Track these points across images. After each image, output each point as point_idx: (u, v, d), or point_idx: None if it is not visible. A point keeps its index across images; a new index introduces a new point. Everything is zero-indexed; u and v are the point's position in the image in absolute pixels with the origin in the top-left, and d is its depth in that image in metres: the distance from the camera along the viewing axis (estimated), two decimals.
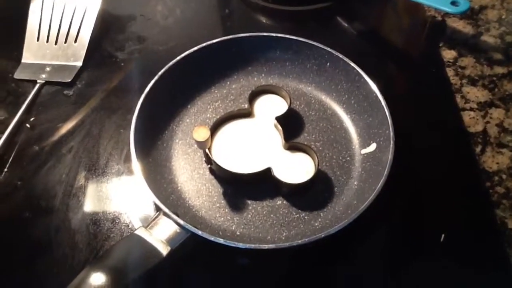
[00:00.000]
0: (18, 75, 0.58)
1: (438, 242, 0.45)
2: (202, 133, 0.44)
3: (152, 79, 0.50)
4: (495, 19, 0.65)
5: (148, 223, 0.41)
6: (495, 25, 0.64)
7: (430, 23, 0.65)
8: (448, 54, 0.61)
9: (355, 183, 0.47)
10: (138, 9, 0.66)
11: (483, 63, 0.60)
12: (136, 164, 0.44)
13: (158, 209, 0.42)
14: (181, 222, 0.40)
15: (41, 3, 0.61)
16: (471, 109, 0.55)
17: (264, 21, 0.67)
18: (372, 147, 0.48)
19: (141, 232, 0.40)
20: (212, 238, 0.39)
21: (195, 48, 0.52)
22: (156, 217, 0.41)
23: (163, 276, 0.40)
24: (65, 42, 0.59)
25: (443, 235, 0.45)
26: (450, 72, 0.59)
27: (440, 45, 0.62)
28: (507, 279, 0.43)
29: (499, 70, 0.59)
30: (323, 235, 0.39)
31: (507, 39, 0.62)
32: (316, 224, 0.45)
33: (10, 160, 0.51)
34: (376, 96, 0.48)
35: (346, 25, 0.65)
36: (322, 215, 0.46)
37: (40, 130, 0.53)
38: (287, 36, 0.54)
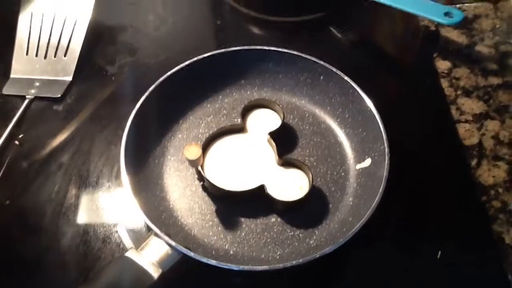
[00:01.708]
0: (7, 90, 0.57)
1: (434, 259, 0.44)
2: (193, 151, 0.43)
3: (143, 93, 0.49)
4: (489, 29, 0.64)
5: (139, 244, 0.40)
6: (489, 35, 0.64)
7: (423, 33, 0.64)
8: (442, 65, 0.60)
9: (350, 199, 0.47)
10: (129, 20, 0.66)
11: (478, 74, 0.59)
12: (126, 182, 0.43)
13: (149, 229, 0.41)
14: (173, 243, 0.39)
15: (30, 15, 0.60)
16: (466, 121, 0.55)
17: (257, 32, 0.66)
18: (367, 162, 0.48)
19: (132, 254, 0.39)
20: (204, 260, 0.39)
21: (187, 63, 0.51)
22: (147, 237, 0.41)
23: None
24: (55, 56, 0.59)
25: (439, 252, 0.44)
26: (444, 83, 0.58)
27: (434, 55, 0.61)
28: None
29: (494, 80, 0.59)
30: (317, 255, 0.39)
31: (502, 49, 0.62)
32: (311, 242, 0.44)
33: None
34: (371, 111, 0.48)
35: (339, 35, 0.64)
36: (317, 232, 0.45)
37: (29, 147, 0.52)
38: (280, 49, 0.53)
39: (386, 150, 0.45)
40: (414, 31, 0.65)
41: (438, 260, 0.44)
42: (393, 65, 0.62)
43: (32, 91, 0.56)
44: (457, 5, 0.66)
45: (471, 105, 0.56)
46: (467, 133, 0.54)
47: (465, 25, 0.65)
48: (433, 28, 0.64)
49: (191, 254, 0.39)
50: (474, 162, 0.51)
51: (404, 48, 0.65)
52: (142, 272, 0.38)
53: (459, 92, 0.57)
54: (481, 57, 0.61)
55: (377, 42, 0.65)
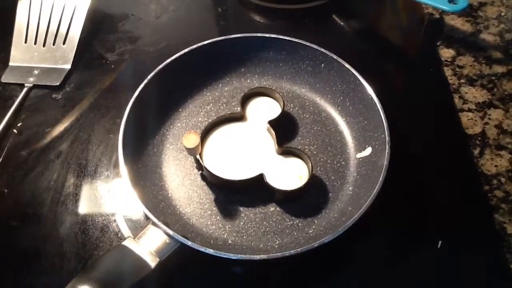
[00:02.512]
0: (5, 78, 0.57)
1: (435, 249, 0.44)
2: (191, 140, 0.43)
3: (142, 81, 0.49)
4: (495, 16, 0.63)
5: (136, 233, 0.40)
6: (495, 23, 0.62)
7: (427, 21, 0.63)
8: (446, 53, 0.59)
9: (350, 188, 0.46)
10: (130, 7, 0.65)
11: (482, 62, 0.58)
12: (124, 171, 0.43)
13: (147, 218, 0.41)
14: (170, 232, 0.39)
15: (29, 2, 0.60)
16: (470, 110, 0.54)
17: (259, 19, 0.65)
18: (368, 151, 0.47)
19: (129, 243, 0.39)
20: (202, 249, 0.38)
21: (186, 50, 0.51)
22: (145, 226, 0.40)
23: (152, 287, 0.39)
24: (54, 44, 0.58)
25: (440, 242, 0.44)
26: (448, 71, 0.57)
27: (438, 43, 0.60)
28: (506, 284, 0.42)
29: (498, 69, 0.58)
30: (316, 245, 0.38)
31: (507, 37, 0.61)
32: (310, 231, 0.44)
33: None
34: (372, 99, 0.47)
35: (342, 23, 0.63)
36: (316, 222, 0.44)
37: (27, 135, 0.52)
38: (281, 36, 0.52)
39: (387, 139, 0.44)
40: (418, 19, 0.64)
41: (438, 249, 0.44)
42: (396, 54, 0.62)
43: (31, 79, 0.56)
44: None
45: (475, 94, 0.55)
46: (470, 122, 0.53)
47: (470, 12, 0.64)
48: (437, 16, 0.63)
49: (189, 243, 0.39)
50: (476, 152, 0.50)
51: (407, 36, 0.64)
52: (139, 261, 0.38)
53: (462, 81, 0.57)
54: (486, 45, 0.60)
55: (380, 30, 0.65)
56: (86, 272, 0.38)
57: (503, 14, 0.63)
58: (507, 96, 0.55)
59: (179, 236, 0.39)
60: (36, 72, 0.57)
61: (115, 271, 0.38)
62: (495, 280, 0.43)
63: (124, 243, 0.39)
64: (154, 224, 0.40)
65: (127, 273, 0.37)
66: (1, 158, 0.50)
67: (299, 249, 0.38)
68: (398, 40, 0.63)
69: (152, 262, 0.38)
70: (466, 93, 0.55)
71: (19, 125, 0.53)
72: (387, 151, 0.43)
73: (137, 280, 0.37)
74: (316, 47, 0.51)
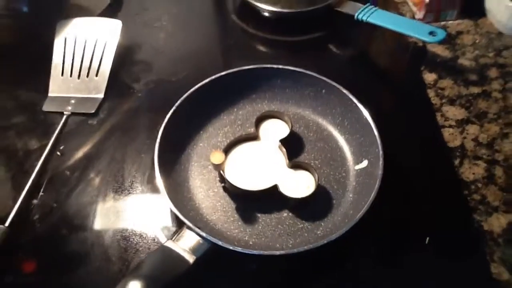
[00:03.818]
0: (46, 107, 0.64)
1: (423, 244, 0.51)
2: (218, 157, 0.51)
3: (166, 107, 0.57)
4: (470, 43, 0.72)
5: (174, 236, 0.47)
6: (470, 49, 0.71)
7: (412, 49, 0.72)
8: (429, 77, 0.68)
9: (351, 195, 0.54)
10: (151, 42, 0.74)
11: (460, 84, 0.67)
12: (161, 184, 0.51)
13: (181, 223, 0.48)
14: (203, 234, 0.47)
15: (64, 40, 0.68)
16: (450, 126, 0.62)
17: (264, 50, 0.74)
18: (364, 163, 0.55)
19: (169, 244, 0.46)
20: (231, 247, 0.46)
21: (206, 81, 0.59)
22: (181, 230, 0.48)
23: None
24: (87, 76, 0.66)
25: (427, 238, 0.52)
26: (431, 93, 0.66)
27: (422, 68, 0.69)
28: (485, 273, 0.50)
29: (475, 90, 0.66)
30: (325, 241, 0.46)
31: (481, 61, 0.70)
32: (318, 232, 0.52)
33: (44, 184, 0.57)
34: (367, 119, 0.55)
35: (338, 52, 0.72)
36: (323, 224, 0.52)
37: (69, 157, 0.60)
38: (287, 67, 0.61)
39: (381, 152, 0.52)
40: (403, 47, 0.73)
41: (427, 245, 0.52)
42: (385, 78, 0.70)
43: (69, 107, 0.64)
44: (442, 23, 0.75)
45: (454, 112, 0.64)
46: (451, 137, 0.61)
47: (449, 40, 0.72)
48: (420, 44, 0.72)
49: (220, 242, 0.46)
50: (457, 162, 0.59)
51: (395, 63, 0.73)
52: (179, 258, 0.45)
53: (444, 101, 0.65)
54: (463, 69, 0.69)
55: (372, 58, 0.74)
56: (135, 270, 0.45)
57: (477, 41, 0.72)
58: (482, 113, 0.64)
59: (212, 237, 0.46)
60: (73, 101, 0.65)
61: (159, 268, 0.45)
62: (473, 268, 0.50)
63: (165, 244, 0.46)
64: (188, 227, 0.47)
65: (170, 269, 0.45)
66: (48, 178, 0.57)
67: (311, 245, 0.46)
68: (387, 66, 0.72)
69: (190, 258, 0.45)
70: (447, 111, 0.64)
71: (61, 148, 0.60)
72: (381, 162, 0.52)
73: (178, 274, 0.44)
74: (317, 75, 0.59)
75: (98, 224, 0.54)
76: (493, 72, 0.68)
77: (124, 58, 0.70)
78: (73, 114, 0.64)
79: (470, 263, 0.51)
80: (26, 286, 0.50)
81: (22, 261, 0.51)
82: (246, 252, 0.46)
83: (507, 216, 0.54)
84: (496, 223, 0.53)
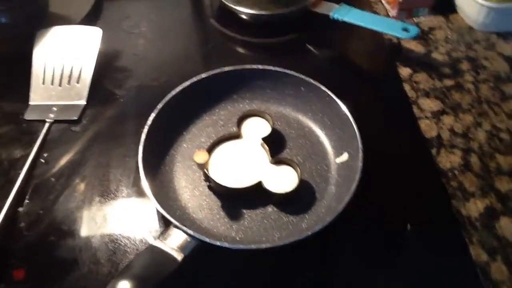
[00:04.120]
0: (28, 116, 0.64)
1: (405, 230, 0.53)
2: (202, 156, 0.52)
3: (149, 111, 0.58)
4: (443, 38, 0.75)
5: (161, 235, 0.48)
6: (443, 44, 0.74)
7: (387, 45, 0.75)
8: (404, 72, 0.70)
9: (333, 188, 0.56)
10: (132, 49, 0.74)
11: (434, 77, 0.69)
12: (146, 186, 0.52)
13: (168, 223, 0.49)
14: (190, 232, 0.47)
15: (44, 49, 0.68)
16: (426, 117, 0.64)
17: (244, 52, 0.76)
18: (345, 156, 0.57)
19: (157, 243, 0.47)
20: (218, 243, 0.47)
21: (188, 83, 0.60)
22: (168, 229, 0.49)
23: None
24: (69, 83, 0.67)
25: (409, 225, 0.53)
26: (407, 87, 0.68)
27: (397, 64, 0.71)
28: (464, 258, 0.51)
29: (448, 82, 0.69)
30: (309, 233, 0.47)
31: (454, 55, 0.72)
32: (303, 225, 0.53)
33: (29, 192, 0.57)
34: (345, 113, 0.57)
35: (315, 51, 0.74)
36: (307, 217, 0.54)
37: (54, 164, 0.60)
38: (266, 67, 0.62)
39: (360, 145, 0.54)
40: (379, 44, 0.75)
41: (408, 231, 0.53)
42: (363, 74, 0.72)
43: (51, 115, 0.64)
44: (415, 19, 0.77)
45: (430, 104, 0.66)
46: (428, 127, 0.63)
47: (422, 36, 0.75)
48: (395, 41, 0.75)
49: (207, 239, 0.47)
50: (434, 151, 0.61)
51: (371, 59, 0.75)
52: (168, 257, 0.46)
53: (419, 94, 0.67)
54: (437, 63, 0.71)
55: (349, 55, 0.76)
56: (124, 271, 0.45)
57: (449, 36, 0.75)
58: (456, 104, 0.66)
59: (199, 234, 0.47)
60: (55, 109, 0.65)
61: (148, 267, 0.46)
62: (454, 251, 0.52)
63: (153, 243, 0.47)
64: (175, 226, 0.48)
65: (159, 268, 0.45)
66: (33, 185, 0.57)
67: (297, 238, 0.47)
68: (364, 63, 0.74)
69: (178, 256, 0.46)
70: (423, 103, 0.66)
71: (45, 155, 0.60)
72: (360, 155, 0.53)
73: (167, 273, 0.45)
74: (296, 74, 0.61)
75: (86, 228, 0.54)
76: (465, 65, 0.71)
77: (106, 65, 0.70)
78: (56, 121, 0.64)
79: (451, 247, 0.53)
80: None
81: (12, 269, 0.51)
82: (233, 247, 0.47)
83: (483, 200, 0.56)
84: (474, 208, 0.55)
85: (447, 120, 0.64)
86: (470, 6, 0.73)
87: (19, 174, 0.57)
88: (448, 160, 0.60)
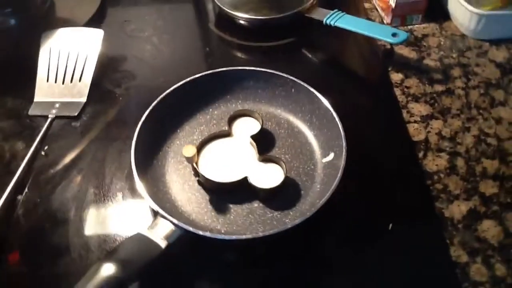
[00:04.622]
0: (32, 111, 0.68)
1: (386, 230, 0.54)
2: (190, 150, 0.54)
3: (146, 110, 0.60)
4: (435, 45, 0.76)
5: (150, 225, 0.50)
6: (435, 50, 0.76)
7: (381, 51, 0.76)
8: (396, 77, 0.72)
9: (318, 186, 0.57)
10: (131, 51, 0.78)
11: (425, 83, 0.71)
12: (137, 180, 0.54)
13: (156, 214, 0.51)
14: (176, 221, 0.49)
15: (49, 50, 0.72)
16: (415, 121, 0.66)
17: (240, 55, 0.78)
18: (331, 156, 0.58)
19: (144, 231, 0.49)
20: (200, 233, 0.49)
21: (181, 82, 0.63)
22: (155, 219, 0.51)
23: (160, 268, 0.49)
24: (71, 82, 0.70)
25: (390, 224, 0.55)
26: (397, 91, 0.70)
27: (389, 69, 0.73)
28: (444, 257, 0.52)
29: (439, 88, 0.70)
30: (289, 226, 0.49)
31: (446, 62, 0.74)
32: (287, 220, 0.54)
33: (29, 182, 0.60)
34: (332, 114, 0.59)
35: (310, 56, 0.76)
36: (291, 213, 0.55)
37: (53, 157, 0.63)
38: (258, 68, 0.64)
39: (344, 144, 0.55)
40: (372, 50, 0.77)
41: (390, 230, 0.54)
42: (355, 78, 0.74)
43: (53, 111, 0.67)
44: (409, 26, 0.79)
45: (419, 108, 0.67)
46: (416, 131, 0.65)
47: (415, 43, 0.77)
48: (388, 46, 0.76)
49: (191, 229, 0.49)
50: (421, 154, 0.62)
51: (364, 64, 0.77)
52: (152, 244, 0.48)
53: (409, 98, 0.69)
54: (428, 69, 0.73)
55: (342, 60, 0.78)
56: (110, 254, 0.48)
57: (442, 43, 0.77)
58: (446, 109, 0.67)
59: (183, 224, 0.49)
60: (57, 105, 0.68)
61: (132, 252, 0.48)
62: (435, 252, 0.53)
63: (139, 231, 0.49)
64: (162, 216, 0.50)
65: (143, 253, 0.47)
66: (33, 176, 0.60)
67: (277, 230, 0.49)
68: (356, 68, 0.76)
69: (163, 244, 0.48)
70: (412, 108, 0.68)
71: (45, 148, 0.63)
72: (344, 153, 0.55)
73: (150, 258, 0.47)
74: (286, 76, 0.63)
75: (79, 217, 0.56)
76: (456, 72, 0.72)
77: (107, 66, 0.73)
78: (57, 117, 0.67)
79: (431, 246, 0.54)
80: (11, 276, 0.52)
81: (7, 254, 0.54)
82: (214, 237, 0.49)
83: (467, 203, 0.57)
84: (457, 210, 0.56)
85: (436, 124, 0.65)
86: (462, 14, 0.74)
87: (20, 165, 0.60)
88: (435, 163, 0.61)
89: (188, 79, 0.63)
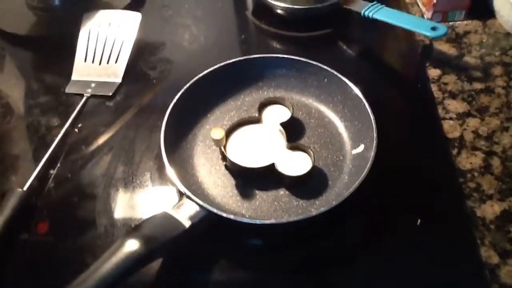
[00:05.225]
0: (69, 89, 0.70)
1: (415, 226, 0.53)
2: (218, 133, 0.54)
3: (178, 92, 0.61)
4: (477, 42, 0.74)
5: (175, 205, 0.51)
6: (477, 48, 0.73)
7: (419, 46, 0.74)
8: (433, 72, 0.70)
9: (346, 177, 0.56)
10: (168, 36, 0.79)
11: (464, 80, 0.68)
12: (166, 161, 0.54)
13: (182, 194, 0.52)
14: (201, 202, 0.50)
15: (88, 31, 0.74)
16: (451, 118, 0.64)
17: (275, 45, 0.78)
18: (361, 148, 0.57)
19: (169, 210, 0.50)
20: (224, 215, 0.49)
21: (215, 67, 0.63)
22: (181, 200, 0.51)
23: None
24: (108, 63, 0.71)
25: (419, 220, 0.53)
26: (434, 87, 0.68)
27: (427, 64, 0.71)
28: (474, 257, 0.51)
29: (478, 85, 0.68)
30: (314, 214, 0.49)
31: (487, 59, 0.71)
32: (312, 210, 0.54)
33: (62, 157, 0.62)
34: (364, 105, 0.58)
35: (345, 48, 0.75)
36: (317, 203, 0.54)
37: (86, 134, 0.64)
38: (292, 56, 0.64)
39: (375, 135, 0.54)
40: (410, 44, 0.75)
41: (418, 226, 0.53)
42: (391, 72, 0.72)
43: (89, 90, 0.69)
44: (450, 23, 0.77)
45: (456, 105, 0.65)
46: (451, 128, 0.63)
47: (456, 39, 0.74)
48: (427, 42, 0.74)
49: (215, 210, 0.49)
50: (455, 151, 0.60)
51: (401, 58, 0.75)
52: (176, 222, 0.48)
53: (446, 95, 0.67)
54: (468, 66, 0.70)
55: (378, 53, 0.76)
56: (134, 229, 0.49)
57: (484, 41, 0.74)
58: (484, 107, 0.65)
59: (207, 205, 0.50)
60: (93, 85, 0.70)
61: (157, 229, 0.48)
62: (465, 251, 0.52)
63: (165, 210, 0.50)
64: (188, 197, 0.51)
65: (167, 231, 0.48)
66: (65, 151, 0.62)
67: (301, 217, 0.49)
68: (393, 61, 0.74)
69: (187, 224, 0.48)
70: (449, 105, 0.65)
71: (79, 125, 0.65)
72: (374, 145, 0.54)
73: (173, 237, 0.47)
74: (320, 65, 0.62)
75: (107, 194, 0.58)
76: (497, 70, 0.69)
77: (143, 49, 0.75)
78: (92, 96, 0.69)
79: (460, 245, 0.52)
80: (38, 245, 0.54)
81: (37, 223, 0.55)
82: (238, 219, 0.49)
83: (501, 204, 0.55)
84: (490, 210, 0.54)
85: (472, 122, 0.63)
86: (508, 11, 0.72)
87: (54, 139, 0.62)
88: (469, 161, 0.59)
89: (221, 64, 0.64)
